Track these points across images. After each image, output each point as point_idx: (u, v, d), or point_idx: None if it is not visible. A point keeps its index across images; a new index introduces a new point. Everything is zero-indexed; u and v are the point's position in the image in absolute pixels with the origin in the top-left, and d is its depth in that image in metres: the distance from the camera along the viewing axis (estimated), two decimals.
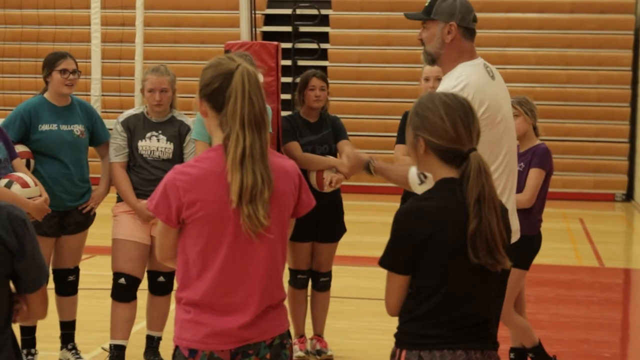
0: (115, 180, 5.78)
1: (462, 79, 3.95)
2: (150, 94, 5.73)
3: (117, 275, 5.71)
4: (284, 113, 6.38)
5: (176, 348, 3.10)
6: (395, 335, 3.10)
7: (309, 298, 6.37)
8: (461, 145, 2.98)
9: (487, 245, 2.93)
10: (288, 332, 3.20)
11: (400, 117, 5.93)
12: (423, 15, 4.09)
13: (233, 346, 3.05)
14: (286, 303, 3.25)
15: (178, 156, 5.74)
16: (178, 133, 5.77)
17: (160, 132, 5.76)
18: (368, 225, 11.89)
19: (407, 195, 5.44)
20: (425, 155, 3.05)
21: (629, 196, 16.30)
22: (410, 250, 2.98)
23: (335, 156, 6.15)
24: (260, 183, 2.98)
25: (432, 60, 4.13)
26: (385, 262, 3.04)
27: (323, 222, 6.11)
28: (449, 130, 2.98)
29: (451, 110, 2.99)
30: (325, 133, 6.17)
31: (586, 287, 9.34)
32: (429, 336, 3.00)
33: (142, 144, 5.74)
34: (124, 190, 5.73)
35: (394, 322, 3.14)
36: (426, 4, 4.10)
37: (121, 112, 6.00)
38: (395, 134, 5.87)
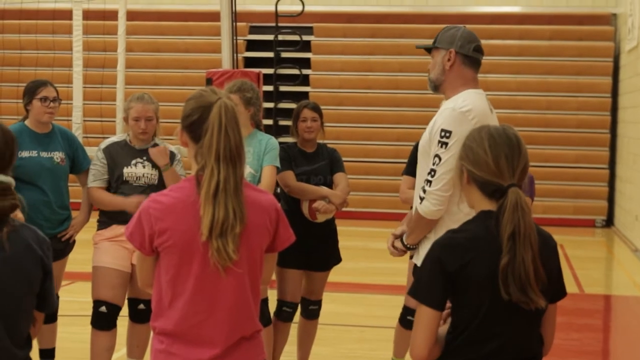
0: (95, 199, 5.74)
1: (468, 102, 4.08)
2: (135, 122, 5.72)
3: (97, 303, 5.67)
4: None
5: None
6: None
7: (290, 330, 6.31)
8: (501, 180, 2.95)
9: (520, 282, 2.86)
10: None
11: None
12: (430, 45, 4.26)
13: None
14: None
15: (162, 182, 5.72)
16: None
17: (145, 158, 5.75)
18: (349, 250, 11.86)
19: None
20: (468, 186, 3.04)
21: (609, 222, 16.39)
22: (441, 282, 2.92)
23: (331, 187, 6.13)
24: (232, 217, 2.98)
25: (434, 87, 4.24)
26: (415, 292, 2.97)
27: (316, 250, 6.07)
28: (490, 163, 2.95)
29: (496, 143, 2.97)
30: (321, 164, 6.16)
31: (566, 313, 9.34)
32: None
33: (127, 171, 5.72)
34: (108, 199, 5.68)
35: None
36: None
37: (103, 137, 5.98)
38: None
